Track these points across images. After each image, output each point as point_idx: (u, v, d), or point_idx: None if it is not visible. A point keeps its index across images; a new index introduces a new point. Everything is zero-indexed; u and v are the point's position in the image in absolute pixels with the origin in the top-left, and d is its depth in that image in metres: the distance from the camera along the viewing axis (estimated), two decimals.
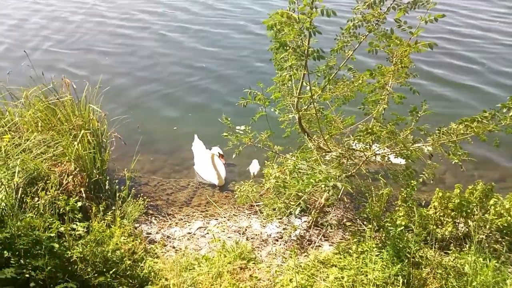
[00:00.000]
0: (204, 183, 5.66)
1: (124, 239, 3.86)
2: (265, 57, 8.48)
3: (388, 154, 3.75)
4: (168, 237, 4.54)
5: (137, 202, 4.57)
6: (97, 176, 4.75)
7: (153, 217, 4.89)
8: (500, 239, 4.11)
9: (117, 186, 4.50)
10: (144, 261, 3.73)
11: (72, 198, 3.31)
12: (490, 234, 4.18)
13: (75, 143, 4.55)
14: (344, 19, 3.30)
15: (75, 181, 4.34)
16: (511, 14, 11.50)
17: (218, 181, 5.53)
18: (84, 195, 4.34)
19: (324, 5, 2.59)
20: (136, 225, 4.62)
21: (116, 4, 12.76)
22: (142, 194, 4.85)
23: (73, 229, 3.31)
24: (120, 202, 4.42)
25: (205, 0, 12.84)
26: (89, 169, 4.70)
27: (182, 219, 4.88)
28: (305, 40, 2.99)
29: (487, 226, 4.01)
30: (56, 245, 2.97)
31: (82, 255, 3.23)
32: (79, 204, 3.31)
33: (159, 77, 8.50)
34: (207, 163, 5.60)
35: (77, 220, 3.33)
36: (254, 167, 5.67)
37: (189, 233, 4.60)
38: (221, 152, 5.35)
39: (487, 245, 3.97)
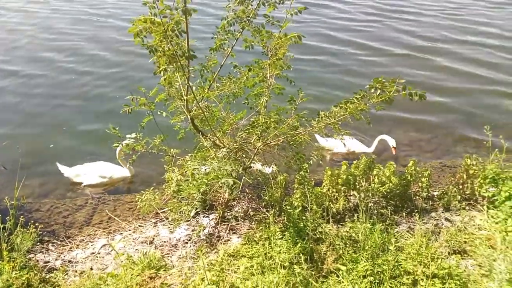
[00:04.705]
0: (105, 198, 5.40)
1: (16, 274, 3.53)
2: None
3: (280, 142, 3.97)
4: (69, 261, 4.23)
5: (28, 231, 4.19)
6: None
7: (50, 244, 4.51)
8: (385, 204, 4.62)
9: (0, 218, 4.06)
10: None
11: None
12: (378, 201, 4.67)
13: None
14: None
15: None
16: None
17: (130, 172, 5.78)
18: None
19: (183, 5, 2.61)
20: (31, 255, 4.23)
21: None
22: (33, 221, 4.45)
23: None
24: (6, 234, 4.00)
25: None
26: None
27: (83, 240, 4.59)
28: (183, 42, 2.99)
29: (372, 195, 4.46)
30: None
31: None
32: None
33: (24, 93, 8.14)
34: (105, 167, 5.73)
35: None
36: None
37: (93, 253, 4.35)
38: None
39: (375, 211, 4.44)
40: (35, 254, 4.27)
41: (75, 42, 10.82)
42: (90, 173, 5.66)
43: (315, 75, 8.94)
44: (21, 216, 4.36)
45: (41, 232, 4.49)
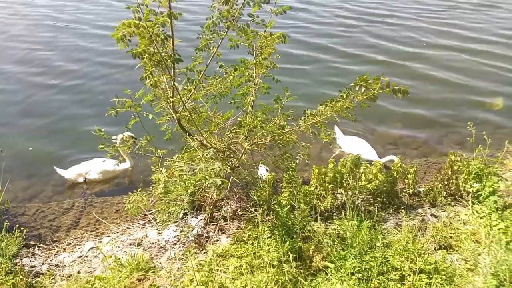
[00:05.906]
0: (92, 200, 5.36)
1: (1, 279, 3.48)
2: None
3: (267, 142, 3.97)
4: (56, 265, 4.19)
5: (13, 236, 4.13)
6: None
7: (36, 248, 4.45)
8: (372, 202, 4.66)
9: None
10: None
11: None
12: (365, 198, 4.71)
13: None
14: None
15: None
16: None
17: (130, 163, 5.97)
18: None
19: (169, 10, 2.60)
20: (16, 260, 4.17)
21: None
22: (19, 225, 4.39)
23: None
24: None
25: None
26: None
27: (71, 243, 4.54)
28: (163, 46, 2.95)
29: (358, 192, 4.50)
30: None
31: None
32: None
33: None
34: (106, 162, 5.66)
35: None
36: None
37: (80, 256, 4.30)
38: (133, 136, 5.47)
39: (363, 209, 4.48)
40: (21, 259, 4.22)
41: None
42: (93, 171, 5.66)
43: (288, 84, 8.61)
44: (6, 221, 4.31)
45: (26, 236, 4.44)
